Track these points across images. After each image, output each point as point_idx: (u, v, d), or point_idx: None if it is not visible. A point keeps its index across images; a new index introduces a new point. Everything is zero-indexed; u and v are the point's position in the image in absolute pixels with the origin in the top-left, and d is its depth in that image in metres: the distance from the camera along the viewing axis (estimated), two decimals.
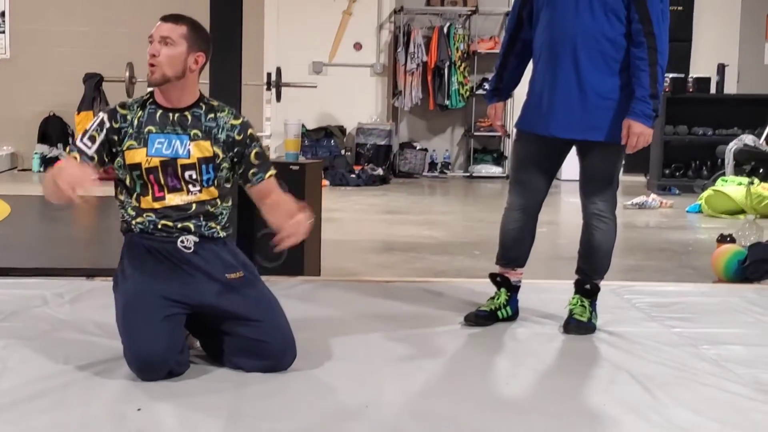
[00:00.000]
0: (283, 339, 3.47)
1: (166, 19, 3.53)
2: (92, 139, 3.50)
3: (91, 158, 3.48)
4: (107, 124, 3.50)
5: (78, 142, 3.51)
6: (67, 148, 3.57)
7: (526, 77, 4.35)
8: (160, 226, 3.48)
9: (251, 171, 3.58)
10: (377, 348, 3.90)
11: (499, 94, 4.40)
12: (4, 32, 12.74)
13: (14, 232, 7.03)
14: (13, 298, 4.51)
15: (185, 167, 3.49)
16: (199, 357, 3.59)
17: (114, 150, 3.51)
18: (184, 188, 3.50)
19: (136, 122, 3.51)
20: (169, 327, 3.34)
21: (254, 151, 3.59)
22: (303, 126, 11.72)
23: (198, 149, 3.51)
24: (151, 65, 3.48)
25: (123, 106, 3.55)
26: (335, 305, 4.61)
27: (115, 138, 3.50)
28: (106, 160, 3.52)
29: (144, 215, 3.49)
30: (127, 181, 3.51)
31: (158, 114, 3.53)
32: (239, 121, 3.59)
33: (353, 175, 11.48)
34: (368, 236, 7.53)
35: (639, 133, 3.98)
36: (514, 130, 4.38)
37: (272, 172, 3.63)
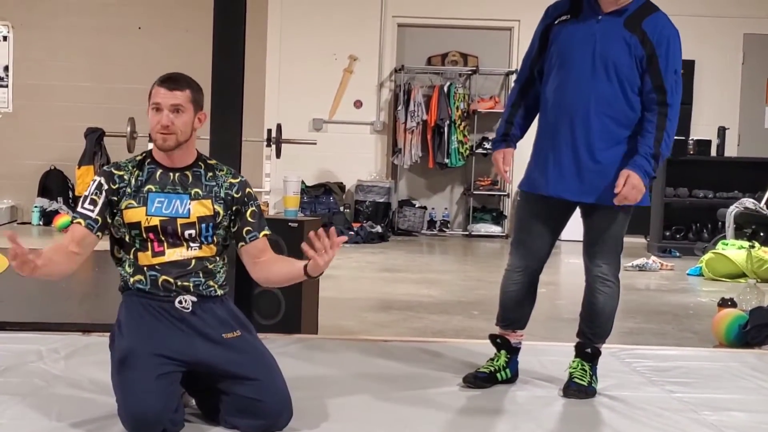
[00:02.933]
0: (279, 398, 3.43)
1: (170, 85, 3.50)
2: (93, 202, 3.50)
3: (95, 221, 3.49)
4: (105, 186, 3.50)
5: (80, 209, 3.52)
6: (71, 218, 3.56)
7: (529, 137, 4.35)
8: (160, 283, 3.46)
9: (246, 229, 3.60)
10: (374, 409, 3.86)
11: (509, 141, 4.31)
12: (7, 86, 12.81)
13: (11, 286, 6.98)
14: (8, 353, 4.48)
15: (185, 226, 3.50)
16: (194, 416, 3.55)
17: (114, 210, 3.51)
18: (184, 244, 3.51)
19: (134, 182, 3.51)
20: (164, 385, 3.30)
21: (251, 210, 3.61)
22: (302, 182, 11.73)
23: (198, 208, 3.52)
24: (165, 134, 3.47)
25: (117, 167, 3.55)
26: (332, 364, 4.57)
27: (115, 199, 3.50)
28: (109, 221, 3.51)
29: (143, 272, 3.49)
30: (126, 238, 3.51)
31: (158, 173, 3.54)
32: (237, 180, 3.63)
33: (352, 233, 11.46)
34: (366, 294, 7.50)
35: (634, 186, 3.95)
36: (518, 191, 4.36)
37: (266, 231, 3.65)
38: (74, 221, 3.52)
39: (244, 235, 3.61)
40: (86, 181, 11.83)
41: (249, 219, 3.61)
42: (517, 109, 4.31)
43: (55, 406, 3.64)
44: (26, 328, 5.10)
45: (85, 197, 3.52)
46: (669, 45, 3.99)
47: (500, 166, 4.31)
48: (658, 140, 3.98)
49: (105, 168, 3.58)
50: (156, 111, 3.49)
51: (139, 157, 3.60)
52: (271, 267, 3.63)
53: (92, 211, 3.49)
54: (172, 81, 3.53)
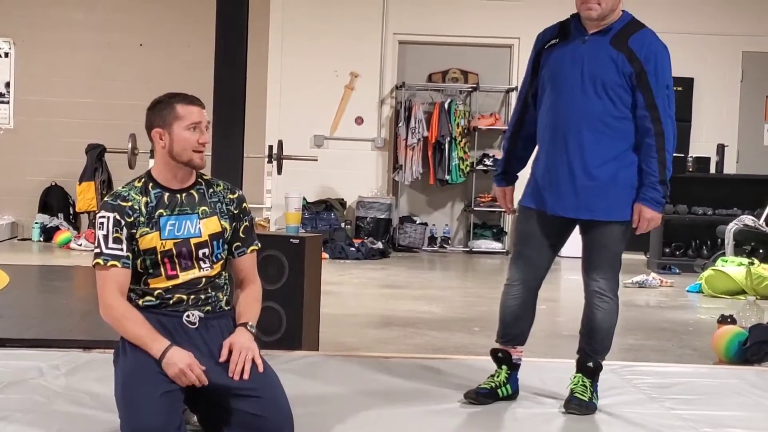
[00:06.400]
0: (280, 414, 3.43)
1: (200, 105, 3.58)
2: (118, 240, 3.45)
3: (128, 257, 3.46)
4: (123, 222, 3.46)
5: (106, 251, 3.43)
6: (97, 261, 3.46)
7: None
8: (171, 303, 3.48)
9: (235, 244, 3.66)
10: (375, 425, 3.87)
11: (509, 178, 4.44)
12: (8, 102, 12.84)
13: (12, 302, 7.00)
14: (9, 369, 4.48)
15: (198, 245, 3.53)
16: None
17: (132, 241, 3.50)
18: (196, 266, 3.53)
19: (144, 209, 3.50)
20: (168, 403, 3.30)
21: (243, 226, 3.67)
22: (303, 198, 11.73)
23: (208, 226, 3.56)
24: (203, 152, 3.54)
25: (123, 198, 3.50)
26: (333, 380, 4.57)
27: (134, 231, 3.48)
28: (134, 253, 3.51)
29: (153, 294, 3.50)
30: (138, 267, 3.50)
31: (166, 196, 3.54)
32: (235, 195, 3.68)
33: (353, 249, 11.46)
34: (367, 310, 7.50)
35: (650, 219, 4.05)
36: (518, 206, 4.39)
37: (254, 247, 3.70)
38: (107, 264, 3.43)
39: (233, 250, 3.66)
40: (87, 197, 11.85)
41: (240, 234, 3.66)
42: (514, 141, 4.40)
43: (56, 423, 3.65)
44: (27, 344, 5.10)
45: (106, 237, 3.44)
46: (657, 61, 4.03)
47: (502, 203, 4.48)
48: (662, 163, 4.02)
49: (111, 201, 3.49)
50: (194, 129, 3.51)
51: (138, 183, 3.56)
52: (240, 294, 3.67)
53: (122, 249, 3.45)
54: (198, 100, 3.59)
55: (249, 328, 3.53)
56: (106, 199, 3.54)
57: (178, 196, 3.56)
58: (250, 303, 3.64)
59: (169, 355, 3.33)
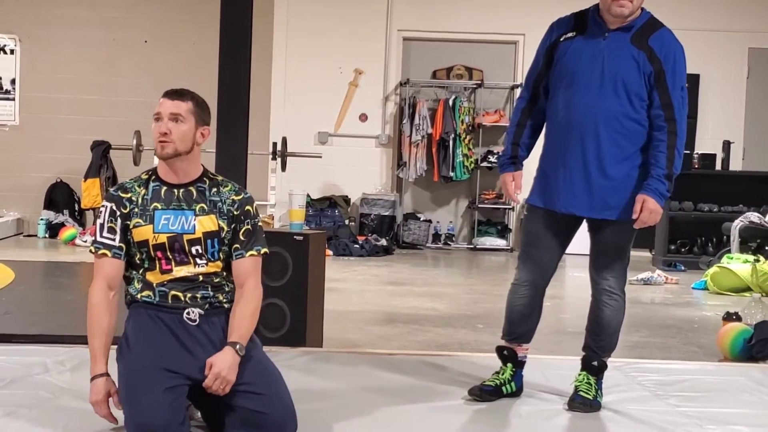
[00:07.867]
0: (284, 411, 3.44)
1: (172, 96, 3.57)
2: (111, 230, 3.52)
3: (120, 248, 3.51)
4: (118, 212, 3.52)
5: (99, 239, 3.52)
6: (91, 248, 3.58)
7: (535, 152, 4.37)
8: (169, 298, 3.48)
9: (234, 246, 3.60)
10: (379, 422, 3.87)
11: (517, 164, 4.34)
12: (13, 99, 12.85)
13: (17, 298, 7.01)
14: (14, 365, 4.48)
15: (191, 242, 3.52)
16: (200, 428, 3.56)
17: (127, 232, 3.53)
18: (192, 261, 3.53)
19: (140, 201, 3.54)
20: (170, 398, 3.31)
21: (244, 228, 3.61)
22: (307, 195, 11.73)
23: (203, 224, 3.54)
24: (163, 141, 3.51)
25: (124, 190, 3.57)
26: (337, 377, 4.57)
27: (128, 223, 3.52)
28: (128, 245, 3.54)
29: (152, 288, 3.51)
30: (136, 259, 3.53)
31: (163, 190, 3.56)
32: (240, 197, 3.64)
33: (357, 246, 11.47)
34: (371, 307, 7.50)
35: (652, 210, 4.01)
36: (525, 205, 4.36)
37: (253, 252, 3.61)
38: (98, 252, 3.51)
39: (232, 251, 3.60)
40: (92, 193, 11.86)
41: (240, 237, 3.60)
42: (522, 129, 4.31)
43: (61, 419, 3.65)
44: (32, 340, 5.12)
45: (101, 226, 3.53)
46: (675, 61, 4.02)
47: (510, 189, 4.32)
48: (670, 159, 4.01)
49: (113, 192, 3.59)
50: (156, 120, 3.54)
51: (144, 176, 3.62)
52: (235, 306, 3.56)
53: (113, 239, 3.51)
54: (175, 92, 3.59)
55: (237, 350, 3.41)
56: (110, 189, 3.59)
57: (176, 191, 3.56)
58: (244, 318, 3.50)
59: (95, 383, 3.43)
